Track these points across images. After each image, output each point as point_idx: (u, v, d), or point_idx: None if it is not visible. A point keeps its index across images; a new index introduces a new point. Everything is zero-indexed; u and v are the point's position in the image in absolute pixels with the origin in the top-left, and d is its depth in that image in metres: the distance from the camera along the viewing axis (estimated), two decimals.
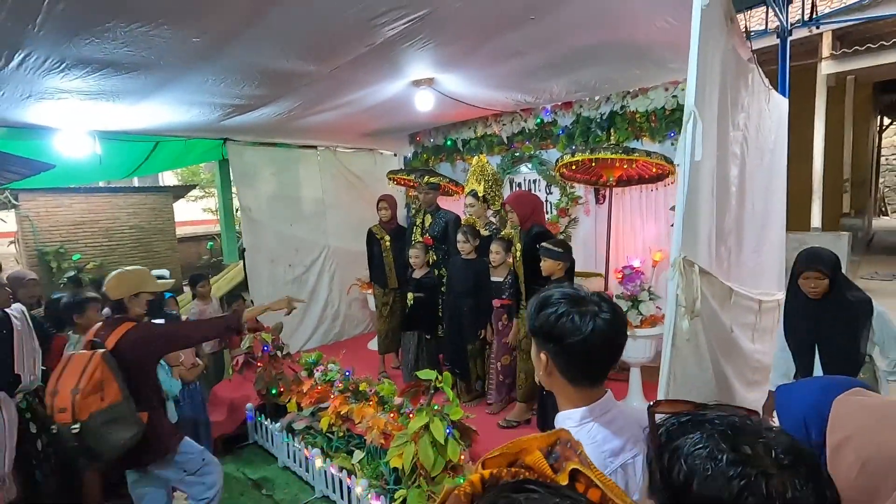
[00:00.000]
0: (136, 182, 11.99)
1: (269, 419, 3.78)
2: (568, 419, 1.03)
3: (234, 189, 5.51)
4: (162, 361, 2.86)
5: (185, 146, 4.73)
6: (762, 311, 3.13)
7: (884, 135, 12.20)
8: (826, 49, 4.90)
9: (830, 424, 0.82)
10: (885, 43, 4.61)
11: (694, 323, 2.17)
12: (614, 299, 1.25)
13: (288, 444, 3.52)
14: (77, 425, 1.94)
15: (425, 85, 3.59)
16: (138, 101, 3.20)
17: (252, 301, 4.79)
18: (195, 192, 12.71)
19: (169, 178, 14.74)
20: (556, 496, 0.36)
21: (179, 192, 11.23)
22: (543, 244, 3.10)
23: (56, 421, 1.97)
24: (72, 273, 7.67)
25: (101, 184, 10.11)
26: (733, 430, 0.64)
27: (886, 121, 11.79)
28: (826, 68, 4.95)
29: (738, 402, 2.77)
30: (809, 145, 5.11)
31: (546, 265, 3.03)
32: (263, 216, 4.97)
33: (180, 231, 11.19)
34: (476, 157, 4.61)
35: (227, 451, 3.83)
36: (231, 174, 4.86)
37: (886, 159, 13.26)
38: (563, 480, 0.38)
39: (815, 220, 5.31)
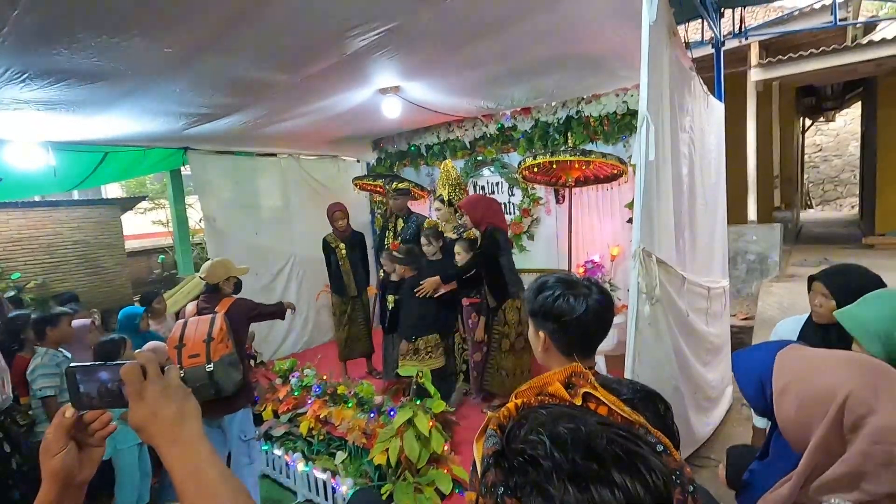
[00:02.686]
0: (75, 195, 11.35)
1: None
2: None
3: (194, 199, 5.39)
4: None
5: (142, 155, 4.60)
6: (711, 297, 3.43)
7: (806, 135, 13.32)
8: (755, 58, 5.40)
9: (775, 374, 1.00)
10: (803, 53, 5.15)
11: (654, 308, 2.39)
12: None
13: (266, 452, 3.51)
14: (211, 365, 2.50)
15: (391, 92, 3.69)
16: (100, 111, 3.14)
17: None
18: (144, 204, 12.16)
19: (113, 191, 14.01)
20: (567, 408, 0.47)
21: (127, 204, 10.74)
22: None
23: (185, 366, 2.47)
24: (11, 293, 7.21)
25: (37, 198, 9.53)
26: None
27: (808, 122, 12.90)
28: (755, 75, 5.45)
29: (696, 378, 3.04)
30: (743, 145, 5.58)
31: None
32: (228, 226, 4.90)
33: (129, 245, 10.69)
34: (443, 162, 4.75)
35: None
36: (193, 183, 4.77)
37: (809, 157, 14.48)
38: (578, 401, 0.50)
39: (751, 213, 5.80)
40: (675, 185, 2.77)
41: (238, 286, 3.23)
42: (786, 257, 6.22)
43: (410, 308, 3.64)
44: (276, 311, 3.22)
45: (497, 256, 3.48)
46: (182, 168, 6.18)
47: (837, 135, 14.43)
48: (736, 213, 4.83)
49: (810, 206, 14.38)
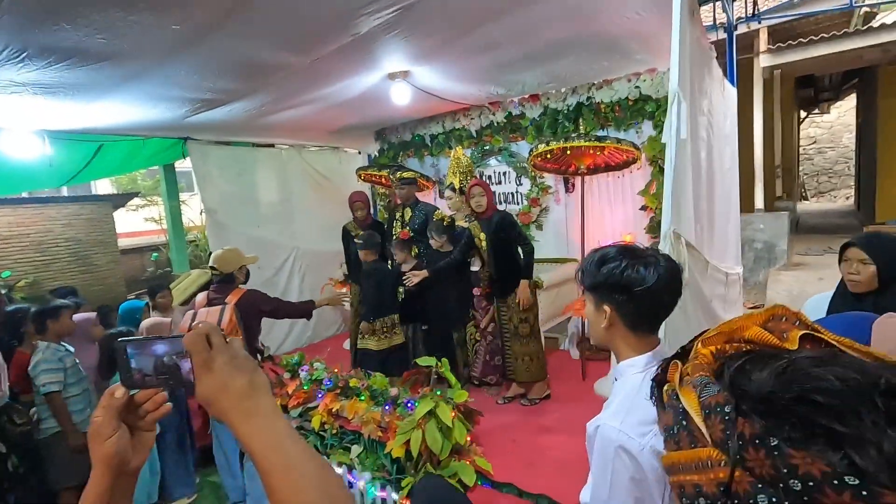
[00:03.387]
0: (65, 191, 11.11)
1: None
2: (631, 367, 1.10)
3: (187, 195, 5.27)
4: None
5: (140, 146, 4.47)
6: (728, 283, 3.39)
7: (801, 127, 13.39)
8: (763, 44, 5.36)
9: (874, 344, 0.94)
10: (814, 38, 5.11)
11: (683, 291, 2.33)
12: None
13: None
14: None
15: (400, 78, 3.60)
16: (100, 95, 3.01)
17: None
18: (136, 201, 11.93)
19: (104, 187, 13.75)
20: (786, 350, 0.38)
21: (119, 200, 10.52)
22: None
23: None
24: (2, 291, 7.03)
25: (25, 194, 9.30)
26: None
27: (803, 114, 12.96)
28: (763, 61, 5.41)
29: None
30: (750, 133, 5.55)
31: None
32: (229, 218, 4.78)
33: (121, 242, 10.48)
34: (453, 150, 4.67)
35: (208, 462, 3.66)
36: (194, 175, 4.64)
37: (804, 149, 14.56)
38: (792, 346, 0.42)
39: (759, 201, 5.78)
40: (694, 169, 2.71)
41: (247, 276, 3.15)
42: (791, 246, 6.21)
43: (367, 292, 3.82)
44: (304, 311, 3.18)
45: (515, 239, 3.44)
46: (176, 164, 6.06)
47: (831, 127, 14.52)
48: (744, 202, 4.80)
49: (805, 198, 14.47)
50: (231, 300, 2.75)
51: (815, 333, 0.41)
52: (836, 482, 0.27)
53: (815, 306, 2.19)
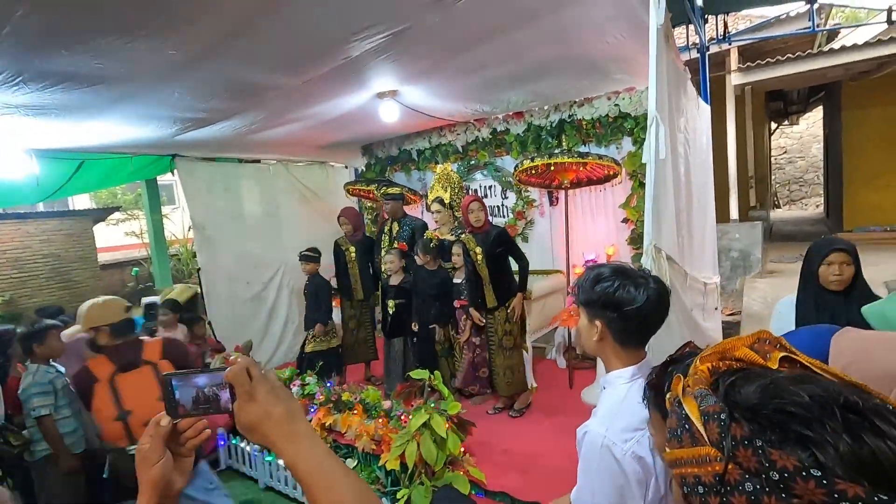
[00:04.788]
0: (40, 207, 10.88)
1: (244, 441, 3.65)
2: (619, 378, 1.19)
3: (169, 209, 5.26)
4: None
5: (127, 162, 4.46)
6: (706, 292, 3.54)
7: (772, 137, 13.89)
8: (734, 63, 5.63)
9: (832, 357, 1.04)
10: (780, 58, 5.40)
11: None
12: None
13: (269, 464, 3.42)
14: None
15: (389, 96, 3.69)
16: (92, 116, 3.04)
17: (211, 322, 4.59)
18: (116, 216, 11.75)
19: (82, 202, 13.49)
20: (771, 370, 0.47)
21: (99, 215, 10.37)
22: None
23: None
24: None
25: (0, 210, 9.10)
26: None
27: (774, 125, 13.46)
28: (734, 80, 5.68)
29: None
30: (724, 146, 5.78)
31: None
32: (217, 233, 4.79)
33: (101, 257, 10.31)
34: (441, 165, 4.77)
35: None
36: (182, 190, 4.65)
37: (775, 159, 15.09)
38: (773, 365, 0.51)
39: (733, 212, 6.01)
40: (674, 184, 2.85)
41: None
42: (765, 254, 6.45)
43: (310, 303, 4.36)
44: None
45: (511, 253, 3.55)
46: (158, 178, 6.03)
47: (801, 137, 15.09)
48: (720, 212, 4.99)
49: (778, 206, 14.96)
50: (154, 357, 2.29)
51: (792, 356, 0.50)
52: (804, 473, 0.36)
53: (786, 307, 2.37)
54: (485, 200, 5.06)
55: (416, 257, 3.91)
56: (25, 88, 2.46)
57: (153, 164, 4.81)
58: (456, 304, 3.89)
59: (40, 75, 2.36)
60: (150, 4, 1.93)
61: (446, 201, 3.98)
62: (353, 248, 4.48)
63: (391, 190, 4.69)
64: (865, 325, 1.78)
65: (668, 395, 0.59)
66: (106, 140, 3.71)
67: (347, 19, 2.33)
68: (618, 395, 1.16)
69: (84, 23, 1.98)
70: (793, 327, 2.18)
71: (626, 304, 1.13)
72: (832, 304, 2.03)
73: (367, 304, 4.55)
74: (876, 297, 1.97)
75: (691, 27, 4.17)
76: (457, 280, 3.91)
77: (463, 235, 3.85)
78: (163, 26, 2.12)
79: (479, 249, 3.62)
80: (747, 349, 0.51)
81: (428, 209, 5.08)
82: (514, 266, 3.71)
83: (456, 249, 3.81)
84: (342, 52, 2.70)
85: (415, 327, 3.93)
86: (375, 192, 4.95)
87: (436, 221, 4.22)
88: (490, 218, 4.93)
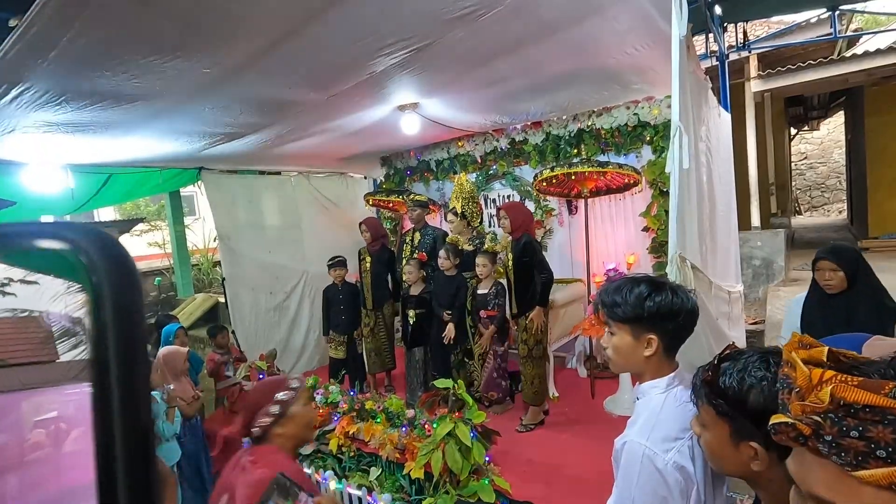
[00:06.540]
0: (67, 219, 11.17)
1: None
2: (654, 388, 1.20)
3: (191, 220, 5.39)
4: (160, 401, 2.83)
5: (156, 175, 4.60)
6: (731, 301, 3.50)
7: (792, 144, 13.69)
8: (753, 70, 5.60)
9: None
10: (801, 64, 5.36)
11: None
12: None
13: None
14: None
15: (410, 109, 3.76)
16: (128, 132, 3.15)
17: (234, 331, 4.67)
18: (139, 226, 12.02)
19: (106, 213, 13.84)
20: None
21: (125, 226, 10.59)
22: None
23: None
24: None
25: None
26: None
27: (794, 131, 13.27)
28: (754, 87, 5.65)
29: None
30: (744, 153, 5.74)
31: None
32: (242, 244, 4.90)
33: None
34: (456, 176, 4.81)
35: None
36: (208, 202, 4.77)
37: (796, 165, 14.86)
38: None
39: (755, 219, 5.94)
40: (697, 194, 2.85)
41: None
42: (788, 262, 6.35)
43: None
44: None
45: (535, 265, 3.54)
46: (181, 189, 6.18)
47: (821, 143, 14.84)
48: (741, 220, 4.95)
49: (799, 213, 14.70)
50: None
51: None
52: None
53: (797, 306, 2.62)
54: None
55: (440, 261, 3.91)
56: (67, 107, 2.57)
57: (178, 177, 4.94)
58: (482, 314, 3.88)
59: (82, 95, 2.47)
60: (188, 26, 2.02)
61: (459, 210, 4.02)
62: (369, 258, 4.51)
63: (419, 196, 4.74)
64: (865, 326, 2.04)
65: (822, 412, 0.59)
66: (136, 155, 3.83)
67: (374, 36, 2.40)
68: (655, 404, 1.17)
69: (126, 45, 2.07)
70: (798, 322, 2.47)
71: (682, 312, 1.14)
72: (832, 305, 2.24)
73: (380, 313, 4.57)
74: (881, 300, 2.17)
75: (710, 35, 4.17)
76: (482, 290, 3.89)
77: (487, 245, 3.89)
78: (199, 46, 2.21)
79: (510, 256, 3.63)
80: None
81: (446, 219, 5.13)
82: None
83: (481, 259, 3.77)
84: (367, 68, 2.78)
85: (446, 316, 3.92)
86: (403, 198, 4.99)
87: (451, 231, 4.26)
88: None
